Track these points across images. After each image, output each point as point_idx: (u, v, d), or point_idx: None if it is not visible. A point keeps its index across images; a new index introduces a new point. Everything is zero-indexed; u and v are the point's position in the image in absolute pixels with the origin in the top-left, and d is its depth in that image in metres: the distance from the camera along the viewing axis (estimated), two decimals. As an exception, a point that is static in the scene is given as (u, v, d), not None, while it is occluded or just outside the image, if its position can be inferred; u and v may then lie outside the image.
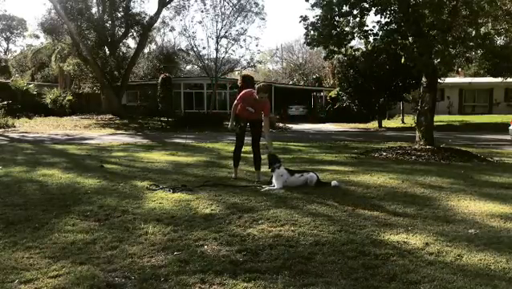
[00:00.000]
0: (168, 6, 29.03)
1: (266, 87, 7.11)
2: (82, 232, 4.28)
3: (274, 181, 6.42)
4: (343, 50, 11.93)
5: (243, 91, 7.09)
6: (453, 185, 6.81)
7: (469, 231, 4.35)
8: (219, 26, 27.48)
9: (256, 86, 7.10)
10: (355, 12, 10.92)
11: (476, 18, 10.41)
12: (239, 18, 27.64)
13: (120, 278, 3.20)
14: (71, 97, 31.21)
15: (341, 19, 11.05)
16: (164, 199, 5.66)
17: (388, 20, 11.18)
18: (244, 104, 6.95)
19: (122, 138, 17.26)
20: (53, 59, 33.63)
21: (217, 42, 27.72)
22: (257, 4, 27.57)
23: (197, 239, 4.05)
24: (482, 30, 11.33)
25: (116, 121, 26.10)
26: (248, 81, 8.12)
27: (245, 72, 33.12)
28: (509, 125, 15.25)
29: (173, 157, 10.15)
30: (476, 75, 35.66)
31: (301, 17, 11.24)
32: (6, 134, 18.73)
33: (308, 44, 11.81)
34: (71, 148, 12.45)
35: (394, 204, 5.44)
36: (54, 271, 3.33)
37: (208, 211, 5.08)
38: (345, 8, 10.85)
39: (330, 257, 3.62)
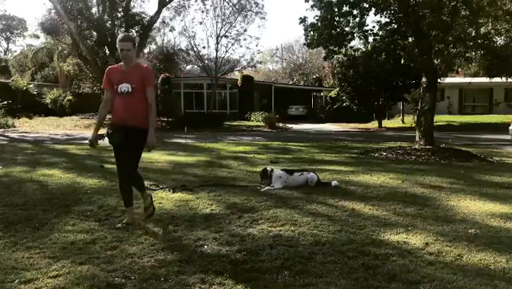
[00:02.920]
0: (169, 6, 28.98)
1: (125, 34, 4.85)
2: (82, 232, 4.28)
3: (272, 182, 6.41)
4: (343, 50, 11.94)
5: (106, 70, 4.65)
6: (452, 185, 6.81)
7: (469, 231, 4.35)
8: (219, 25, 27.50)
9: None
10: (355, 12, 10.94)
11: (476, 18, 10.41)
12: (239, 18, 27.65)
13: (120, 278, 3.20)
14: (71, 97, 31.19)
15: (341, 19, 11.06)
16: (164, 199, 5.66)
17: (388, 20, 11.19)
18: (114, 85, 4.45)
19: (122, 138, 17.23)
20: (55, 58, 33.61)
21: (217, 42, 27.73)
22: (257, 4, 27.54)
23: (197, 239, 4.05)
24: (482, 30, 11.33)
25: (116, 121, 26.05)
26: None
27: (245, 72, 33.20)
28: (510, 125, 15.24)
29: (173, 157, 10.15)
30: (476, 75, 35.61)
31: (300, 18, 11.25)
32: (6, 134, 18.72)
33: (308, 45, 11.83)
34: (71, 148, 12.44)
35: (394, 204, 5.44)
36: (54, 271, 3.33)
37: (208, 211, 5.08)
38: (345, 8, 10.86)
39: (330, 257, 3.62)
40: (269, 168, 6.69)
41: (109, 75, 4.52)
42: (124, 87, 4.39)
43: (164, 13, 30.22)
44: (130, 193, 4.69)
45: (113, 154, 4.74)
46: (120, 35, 4.63)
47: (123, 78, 4.41)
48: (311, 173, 6.66)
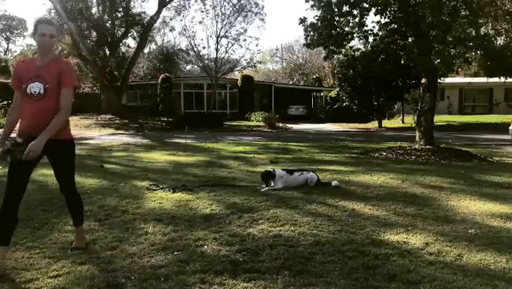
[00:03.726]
0: (169, 6, 29.04)
1: (51, 18, 3.80)
2: (82, 232, 4.26)
3: (273, 182, 6.40)
4: (343, 50, 11.94)
5: (15, 65, 3.89)
6: (453, 185, 6.81)
7: (469, 231, 4.35)
8: (219, 26, 27.53)
9: None
10: (355, 12, 10.93)
11: (476, 19, 10.42)
12: (239, 18, 27.69)
13: (120, 278, 3.20)
14: (70, 97, 31.14)
15: (341, 19, 11.06)
16: (164, 199, 5.66)
17: (388, 20, 11.19)
18: (23, 84, 3.44)
19: (122, 138, 17.25)
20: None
21: (217, 42, 27.75)
22: (257, 4, 27.60)
23: (197, 239, 4.05)
24: (482, 29, 11.33)
25: (116, 121, 26.11)
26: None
27: (245, 72, 33.23)
28: (510, 125, 15.25)
29: (173, 157, 10.15)
30: (476, 75, 35.61)
31: (300, 19, 11.25)
32: (6, 134, 18.71)
33: (308, 46, 11.83)
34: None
35: (394, 204, 5.44)
36: (54, 271, 3.32)
37: (208, 211, 5.08)
38: (345, 8, 10.86)
39: (330, 257, 3.62)
40: (269, 168, 6.68)
41: (18, 71, 3.54)
42: (35, 87, 3.36)
43: (164, 13, 30.37)
44: (11, 223, 3.37)
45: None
46: (43, 18, 3.69)
47: (35, 75, 3.39)
48: (311, 173, 6.66)
